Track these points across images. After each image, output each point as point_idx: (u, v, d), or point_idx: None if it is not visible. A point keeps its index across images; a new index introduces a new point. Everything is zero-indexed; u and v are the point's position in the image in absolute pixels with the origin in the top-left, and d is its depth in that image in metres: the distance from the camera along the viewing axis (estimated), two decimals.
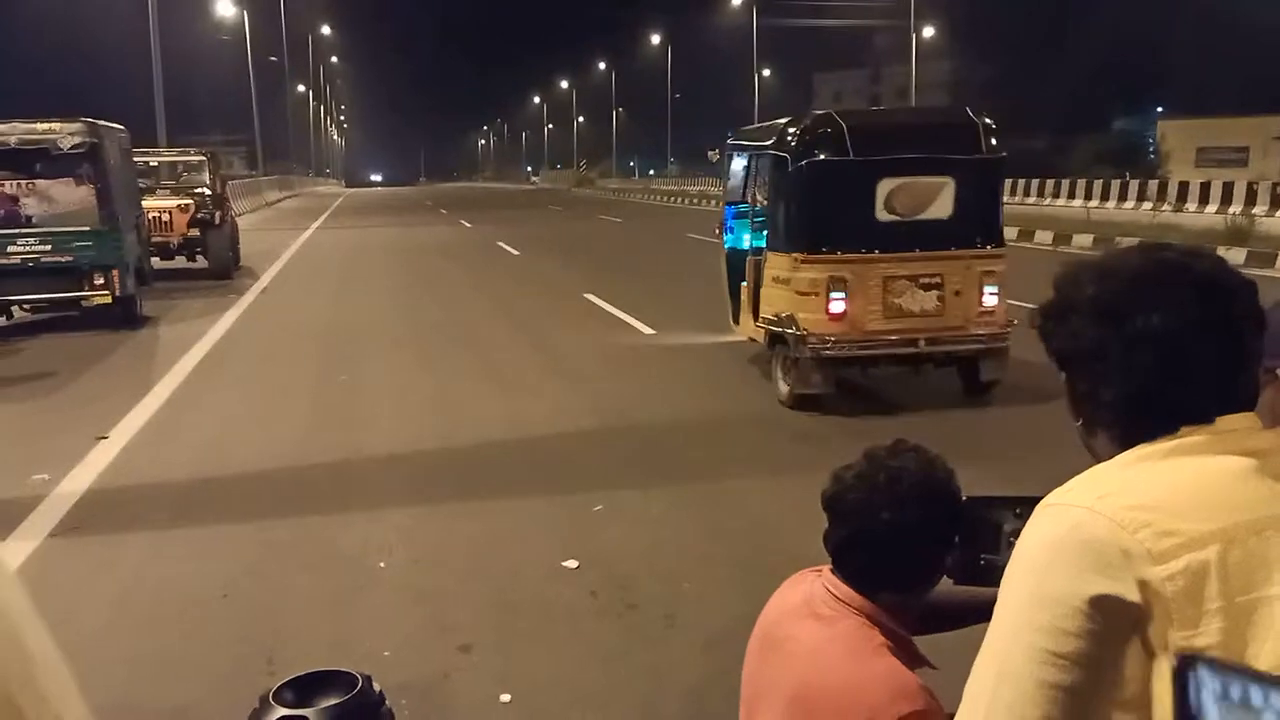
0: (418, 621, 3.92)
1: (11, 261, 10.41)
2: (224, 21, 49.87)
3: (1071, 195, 24.69)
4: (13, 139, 10.71)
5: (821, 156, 6.89)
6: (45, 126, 10.85)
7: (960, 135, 7.04)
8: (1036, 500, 1.11)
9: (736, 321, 8.36)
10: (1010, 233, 21.81)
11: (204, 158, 17.52)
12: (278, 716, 1.60)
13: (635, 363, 8.89)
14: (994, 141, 6.98)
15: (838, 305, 6.78)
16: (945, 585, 1.69)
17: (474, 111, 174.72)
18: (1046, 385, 5.71)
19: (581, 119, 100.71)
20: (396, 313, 12.18)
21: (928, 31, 48.23)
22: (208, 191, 16.17)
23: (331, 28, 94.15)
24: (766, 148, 7.54)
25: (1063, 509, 1.05)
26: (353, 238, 24.86)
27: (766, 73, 60.46)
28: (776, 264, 7.21)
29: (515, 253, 19.81)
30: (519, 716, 3.26)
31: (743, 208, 8.36)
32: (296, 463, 6.01)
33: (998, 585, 1.08)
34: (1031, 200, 25.48)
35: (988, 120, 7.05)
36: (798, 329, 6.87)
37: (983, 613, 1.09)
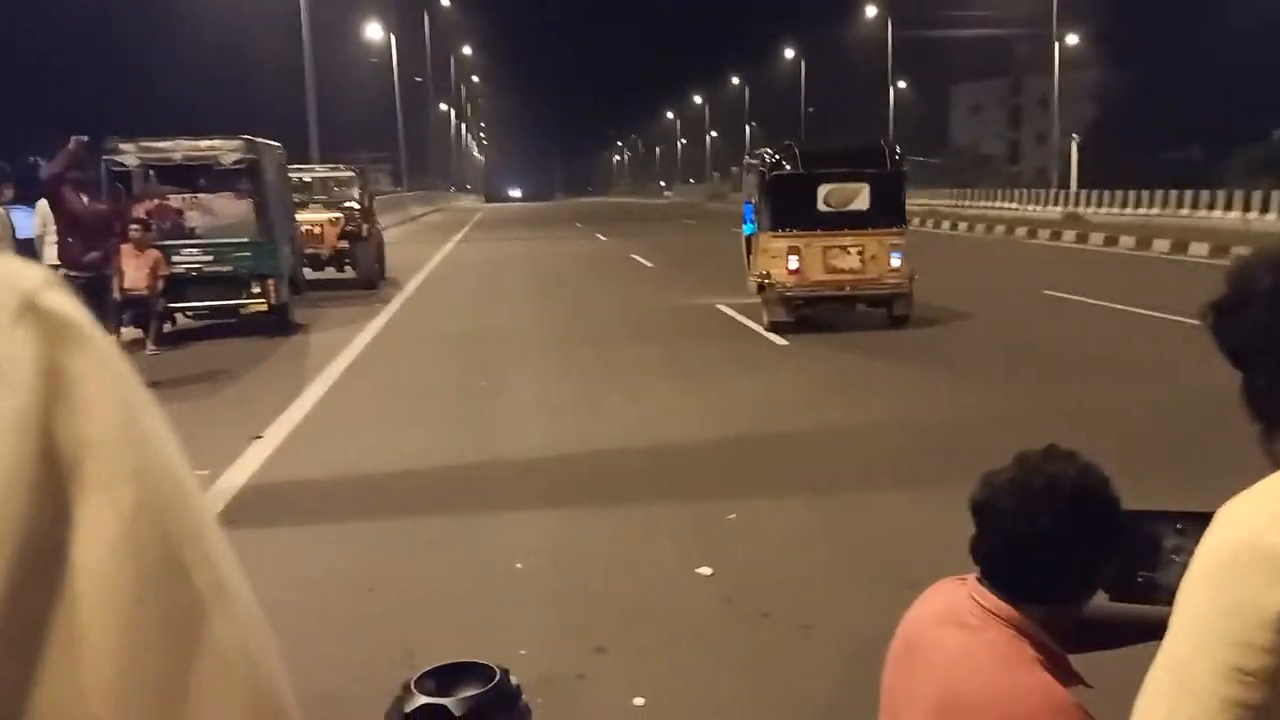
0: (554, 622, 3.97)
1: (177, 270, 11.04)
2: (372, 44, 52.02)
3: (1229, 206, 23.37)
4: (178, 155, 11.38)
5: (784, 170, 10.85)
6: (208, 143, 11.49)
7: (873, 155, 11.06)
8: (1198, 515, 1.04)
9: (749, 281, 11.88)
10: (1162, 245, 20.70)
11: (353, 173, 18.27)
12: (418, 704, 1.64)
13: (769, 373, 8.83)
14: (896, 159, 11.05)
15: (794, 264, 10.61)
16: (1099, 601, 1.62)
17: (609, 128, 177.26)
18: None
19: (715, 134, 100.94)
20: (534, 321, 12.42)
21: (1072, 39, 46.42)
22: (356, 206, 16.83)
23: (472, 48, 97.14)
24: (755, 165, 11.60)
25: (1245, 517, 0.99)
26: (492, 250, 25.50)
27: (902, 84, 59.33)
28: (760, 240, 11.21)
29: (649, 264, 19.96)
30: None
31: (748, 206, 12.07)
32: (438, 464, 6.18)
33: (1155, 603, 1.02)
34: (1185, 212, 24.24)
35: (895, 146, 11.43)
36: (770, 280, 10.79)
37: (1141, 632, 1.04)
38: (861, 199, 10.64)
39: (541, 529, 5.04)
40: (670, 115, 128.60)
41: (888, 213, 10.66)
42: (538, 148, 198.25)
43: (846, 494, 5.45)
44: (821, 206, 10.61)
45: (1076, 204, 28.93)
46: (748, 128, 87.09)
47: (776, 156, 11.11)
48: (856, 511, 5.18)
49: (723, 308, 12.52)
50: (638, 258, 21.10)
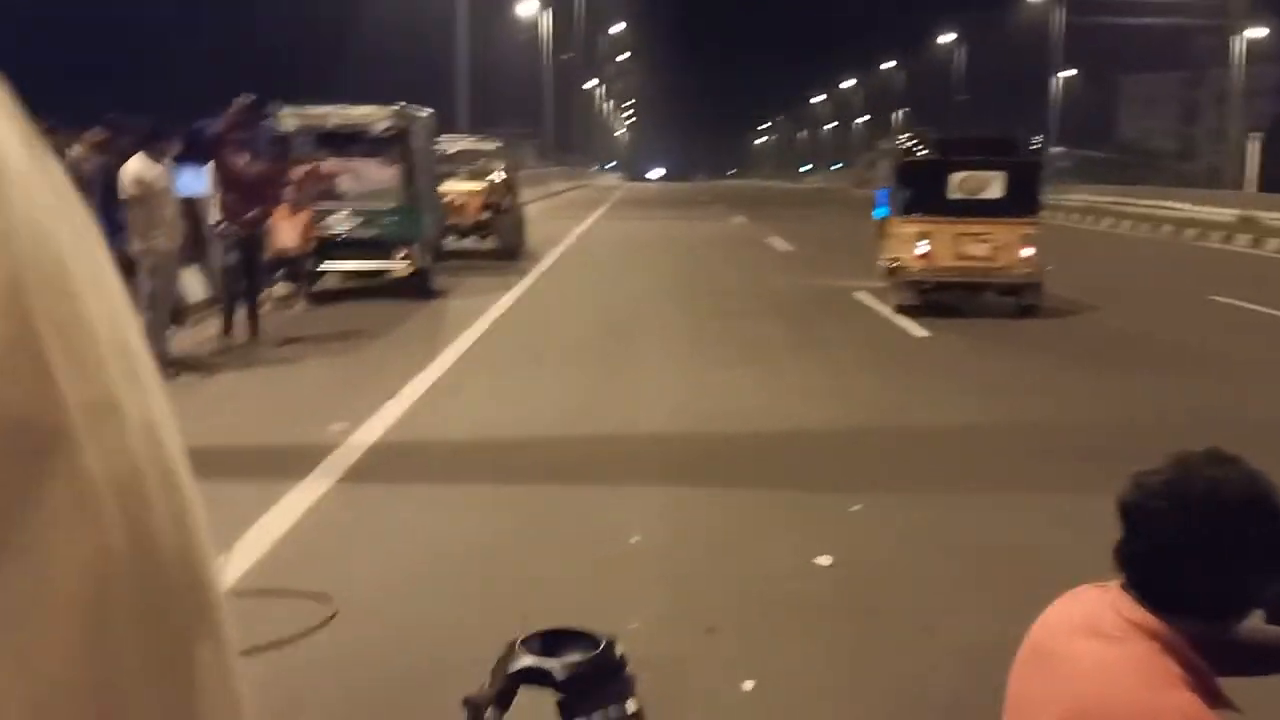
0: (666, 599, 3.94)
1: (328, 233, 11.44)
2: (525, 20, 52.80)
3: None
4: (333, 122, 11.78)
5: (918, 155, 11.24)
6: (361, 111, 11.86)
7: (1008, 146, 11.44)
8: None
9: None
10: None
11: (499, 147, 18.58)
12: (522, 664, 1.62)
13: (905, 364, 8.57)
14: (1032, 149, 11.68)
15: (923, 249, 10.64)
16: (1254, 622, 1.47)
17: (754, 110, 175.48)
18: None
19: (866, 117, 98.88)
20: (667, 299, 12.41)
21: (1259, 33, 43.41)
22: (500, 178, 17.13)
23: (624, 26, 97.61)
24: (890, 151, 12.16)
25: None
26: (629, 228, 25.62)
27: (1070, 74, 56.76)
28: (891, 224, 11.35)
29: (788, 249, 19.70)
30: (760, 705, 3.20)
31: (882, 192, 12.29)
32: (563, 434, 6.23)
33: None
34: None
35: (1032, 138, 12.52)
36: (899, 264, 10.92)
37: None
38: (994, 188, 10.72)
39: (661, 505, 5.01)
40: (819, 98, 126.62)
41: (1021, 202, 10.70)
42: (681, 128, 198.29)
43: (979, 495, 5.24)
44: (954, 194, 10.73)
45: (1254, 207, 27.12)
46: (897, 114, 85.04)
47: (911, 142, 11.64)
48: (988, 514, 4.97)
49: (861, 296, 12.24)
50: (777, 241, 20.83)
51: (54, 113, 8.23)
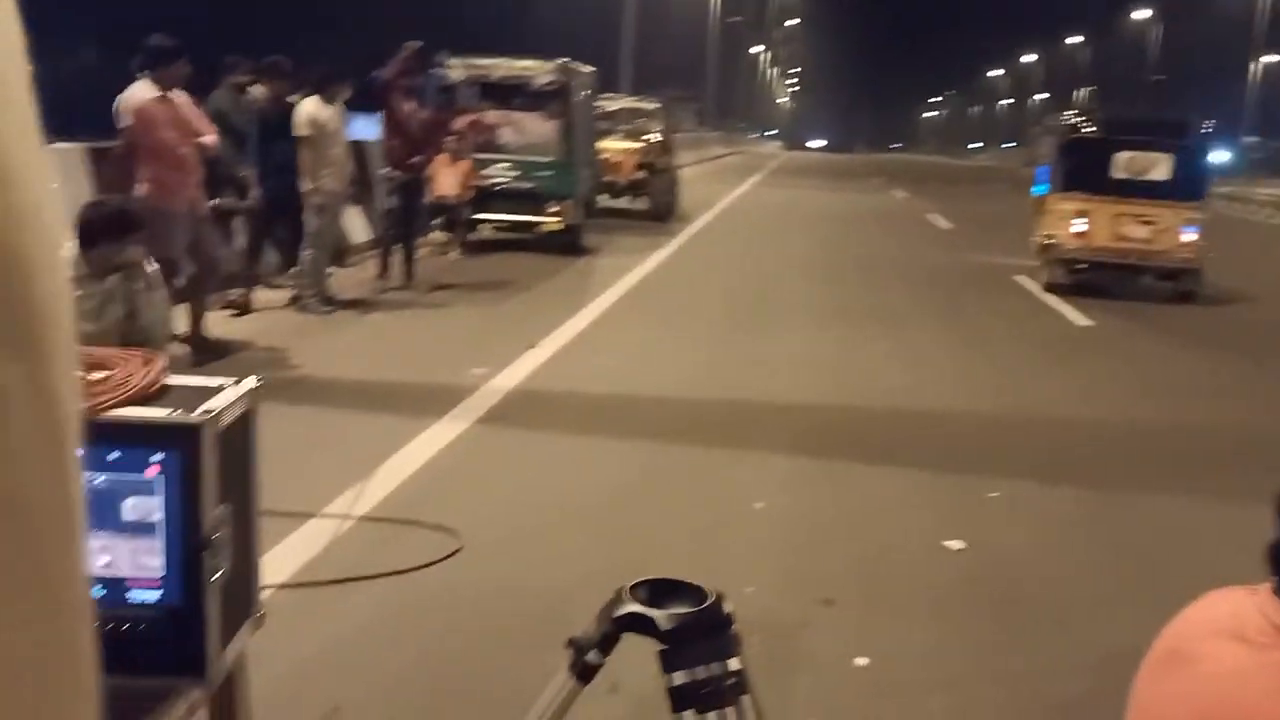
0: (785, 567, 3.88)
1: (486, 183, 11.67)
2: None
3: None
4: (498, 74, 11.99)
5: (1082, 132, 11.05)
6: (523, 65, 12.04)
7: (1178, 128, 11.20)
8: None
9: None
10: None
11: (658, 107, 18.55)
12: (627, 610, 1.61)
13: (1062, 353, 8.18)
14: (1201, 133, 11.40)
15: (1080, 226, 10.45)
16: None
17: (923, 83, 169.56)
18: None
19: (1045, 95, 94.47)
20: (814, 270, 12.19)
21: None
22: (656, 139, 17.12)
23: None
24: (1051, 130, 12.08)
25: None
26: (784, 197, 25.27)
27: (1271, 58, 52.70)
28: (1049, 200, 11.06)
29: (947, 226, 19.06)
30: (872, 683, 3.12)
31: (1042, 169, 11.97)
32: (696, 395, 6.21)
33: None
34: None
35: (1205, 122, 11.72)
36: (1054, 240, 10.75)
37: None
38: (1160, 169, 10.53)
39: (788, 474, 4.93)
40: (996, 72, 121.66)
41: (1186, 185, 10.52)
42: (847, 98, 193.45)
43: (1124, 492, 4.96)
44: (1118, 173, 10.55)
45: None
46: (1079, 92, 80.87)
47: (1078, 119, 11.62)
48: (1130, 512, 4.70)
49: (1022, 280, 11.73)
50: (936, 219, 20.18)
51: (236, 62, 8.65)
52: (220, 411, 1.72)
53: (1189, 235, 10.33)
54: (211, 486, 1.58)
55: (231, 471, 1.74)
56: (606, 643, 1.64)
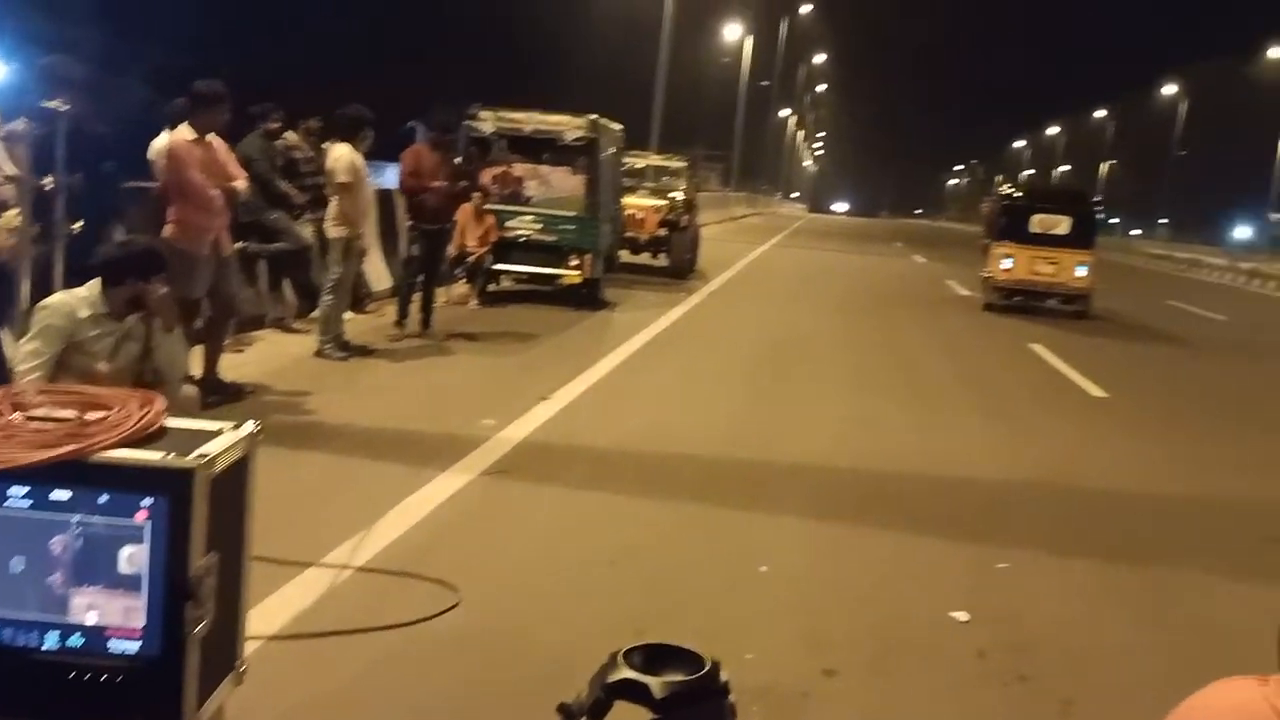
0: (787, 633, 3.81)
1: (510, 235, 11.76)
2: (726, 46, 53.17)
3: None
4: (528, 127, 12.13)
5: (1010, 201, 15.86)
6: (555, 119, 12.17)
7: (1075, 198, 16.96)
8: None
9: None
10: None
11: (684, 166, 18.73)
12: (621, 676, 1.57)
13: (1079, 423, 8.10)
14: (1094, 203, 16.86)
15: (1008, 265, 14.98)
16: None
17: (948, 151, 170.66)
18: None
19: (1067, 167, 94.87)
20: (832, 331, 12.18)
21: None
22: (680, 197, 17.26)
23: (825, 57, 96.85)
24: (993, 198, 17.90)
25: None
26: (804, 258, 25.34)
27: None
28: (990, 247, 15.56)
29: (965, 293, 19.04)
30: None
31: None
32: (708, 453, 6.16)
33: None
34: None
35: (1093, 196, 19.64)
36: (990, 274, 15.30)
37: None
38: (1062, 226, 15.10)
39: (795, 538, 4.87)
40: (1020, 143, 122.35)
41: (1080, 237, 15.05)
42: (872, 163, 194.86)
43: (1142, 567, 4.87)
44: (1034, 229, 15.07)
45: None
46: (1105, 165, 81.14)
47: (1010, 191, 17.10)
48: (1148, 589, 4.61)
49: (1037, 349, 11.68)
50: (954, 284, 20.19)
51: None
52: (215, 456, 1.71)
53: (1081, 271, 14.88)
54: (200, 534, 1.57)
55: (223, 518, 1.72)
56: (598, 710, 1.60)
